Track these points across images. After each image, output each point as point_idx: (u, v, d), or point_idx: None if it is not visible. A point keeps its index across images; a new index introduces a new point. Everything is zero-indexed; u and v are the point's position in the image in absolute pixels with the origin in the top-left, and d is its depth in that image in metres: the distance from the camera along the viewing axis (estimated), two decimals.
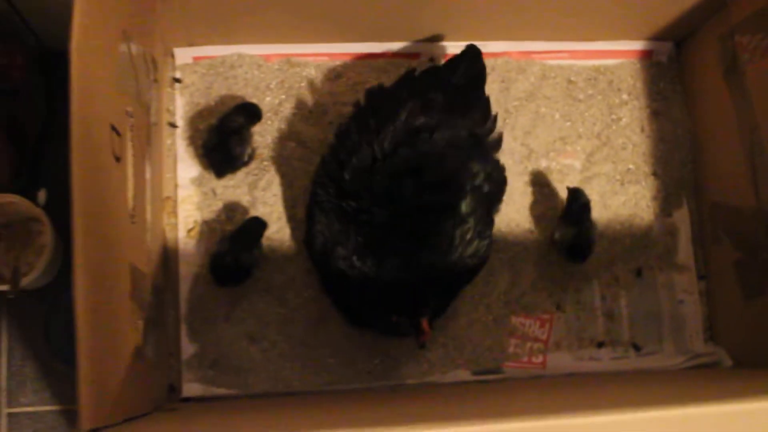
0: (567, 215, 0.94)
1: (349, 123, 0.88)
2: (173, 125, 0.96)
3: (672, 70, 1.05)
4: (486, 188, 0.87)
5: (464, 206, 0.85)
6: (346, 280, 0.85)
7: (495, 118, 0.91)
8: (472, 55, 0.91)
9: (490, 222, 0.89)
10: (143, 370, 0.71)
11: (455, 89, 0.88)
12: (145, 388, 0.74)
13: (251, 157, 0.94)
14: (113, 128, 0.62)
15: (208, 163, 0.93)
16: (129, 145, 0.68)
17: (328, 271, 0.87)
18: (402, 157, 0.83)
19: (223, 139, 0.89)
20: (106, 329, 0.56)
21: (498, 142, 0.92)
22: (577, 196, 0.94)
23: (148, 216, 0.79)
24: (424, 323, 0.81)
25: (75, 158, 0.53)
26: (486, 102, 0.91)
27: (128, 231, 0.67)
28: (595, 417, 0.56)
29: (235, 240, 0.89)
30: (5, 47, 0.87)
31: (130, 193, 0.68)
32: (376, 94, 0.90)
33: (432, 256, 0.84)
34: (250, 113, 0.91)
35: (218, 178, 0.94)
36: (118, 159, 0.63)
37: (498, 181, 0.90)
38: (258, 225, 0.91)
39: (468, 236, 0.85)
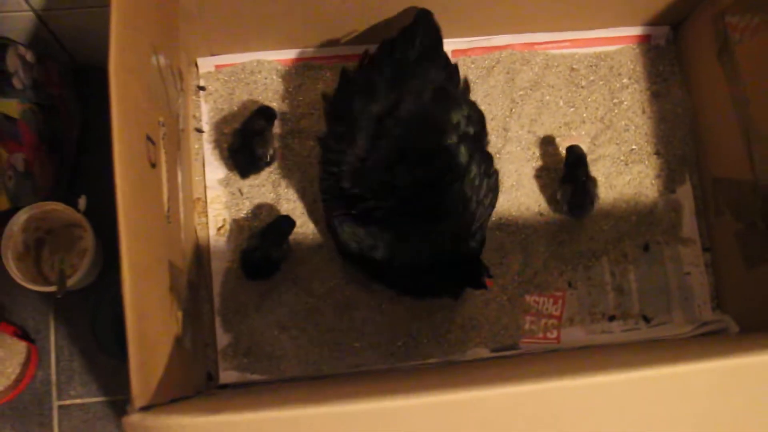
0: (565, 173, 1.00)
1: (326, 135, 0.93)
2: (200, 130, 1.02)
3: (670, 53, 1.09)
4: (471, 130, 0.91)
5: (462, 157, 0.89)
6: (393, 273, 0.91)
7: (456, 67, 0.95)
8: (425, 22, 0.94)
9: (489, 157, 0.94)
10: (184, 359, 0.77)
11: (413, 61, 0.91)
12: (186, 376, 0.80)
13: (273, 158, 0.99)
14: (148, 138, 0.68)
15: (234, 165, 0.99)
16: (162, 152, 0.74)
17: (374, 270, 0.93)
18: (382, 148, 0.87)
19: (246, 141, 0.96)
20: (151, 319, 0.63)
21: (466, 88, 0.96)
22: (571, 151, 0.99)
23: (182, 216, 0.85)
24: (487, 282, 0.90)
25: (118, 168, 0.59)
26: (445, 58, 0.95)
27: (165, 231, 0.74)
28: (606, 376, 0.60)
29: (264, 237, 0.95)
30: (43, 66, 0.94)
31: (165, 196, 0.74)
32: (332, 99, 0.95)
33: (454, 223, 0.90)
34: (268, 115, 0.97)
35: (243, 179, 1.00)
36: (153, 165, 0.70)
37: (479, 119, 0.95)
38: (287, 223, 0.97)
39: (476, 182, 0.90)
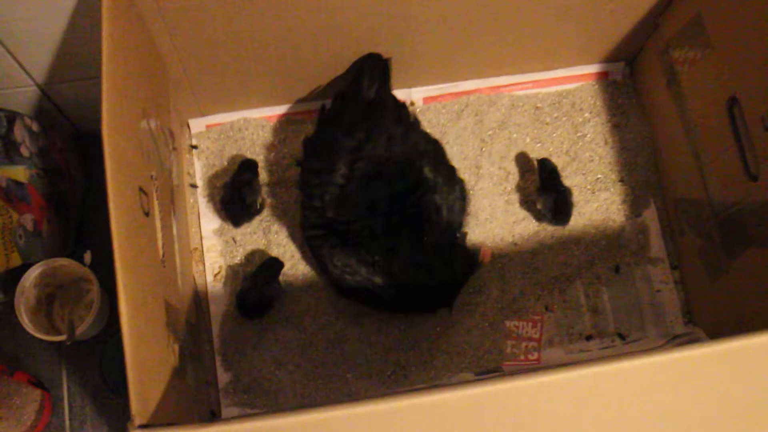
0: (542, 185, 1.07)
1: (304, 174, 1.02)
2: (194, 186, 1.11)
3: (627, 87, 1.17)
4: (429, 148, 1.02)
5: (427, 172, 0.99)
6: (390, 294, 1.00)
7: (403, 104, 1.06)
8: (369, 65, 1.03)
9: (452, 168, 1.05)
10: (185, 393, 0.84)
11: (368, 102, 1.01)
12: (188, 409, 0.87)
13: (262, 205, 1.07)
14: (141, 189, 0.76)
15: (227, 216, 1.07)
16: (155, 202, 0.82)
17: (371, 295, 1.01)
18: (359, 170, 0.97)
19: (235, 192, 1.03)
20: (148, 347, 0.69)
21: (413, 117, 1.06)
22: (544, 165, 1.07)
23: (178, 262, 0.93)
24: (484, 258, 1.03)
25: (113, 217, 0.67)
26: (392, 96, 1.05)
27: (161, 273, 0.81)
28: (580, 370, 0.65)
29: (256, 278, 1.02)
30: (47, 135, 1.03)
31: (159, 242, 0.82)
32: (310, 137, 1.05)
33: (433, 229, 0.99)
34: (251, 167, 1.05)
35: (236, 227, 1.08)
36: (147, 214, 0.78)
37: (429, 139, 1.05)
38: (276, 263, 1.05)
39: (445, 189, 1.00)
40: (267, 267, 1.04)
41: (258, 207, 1.06)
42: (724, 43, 0.91)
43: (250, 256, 1.08)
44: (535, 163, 1.10)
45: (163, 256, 0.83)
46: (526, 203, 1.11)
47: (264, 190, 1.09)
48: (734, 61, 0.90)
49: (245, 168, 1.04)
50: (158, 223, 0.82)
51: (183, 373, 0.83)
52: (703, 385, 0.69)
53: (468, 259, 1.04)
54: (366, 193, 0.97)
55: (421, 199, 0.99)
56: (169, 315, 0.81)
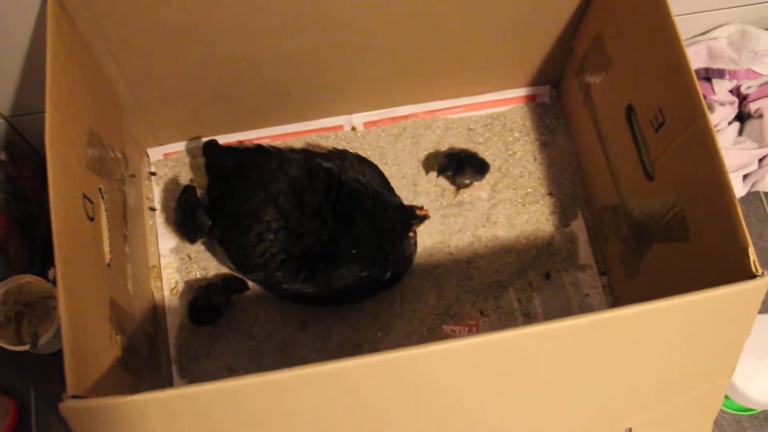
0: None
1: (243, 245, 1.08)
2: (152, 209, 1.20)
3: (555, 108, 1.26)
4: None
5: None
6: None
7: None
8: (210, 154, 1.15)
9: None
10: (132, 387, 0.92)
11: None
12: None
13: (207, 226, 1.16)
14: (85, 196, 0.85)
15: (182, 235, 1.16)
16: (102, 211, 0.91)
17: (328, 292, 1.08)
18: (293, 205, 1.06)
19: (186, 214, 1.13)
20: (86, 333, 0.77)
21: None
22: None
23: (129, 272, 1.01)
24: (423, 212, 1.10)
25: (53, 214, 0.75)
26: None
27: (106, 273, 0.89)
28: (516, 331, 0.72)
29: (211, 287, 1.11)
30: (15, 164, 1.12)
31: (105, 247, 0.91)
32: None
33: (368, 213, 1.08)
34: (192, 192, 1.14)
35: (192, 244, 1.16)
36: (91, 219, 0.86)
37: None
38: (238, 283, 1.13)
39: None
40: (228, 282, 1.12)
41: (210, 225, 1.14)
42: (619, 57, 1.00)
43: (203, 271, 1.16)
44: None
45: (111, 260, 0.92)
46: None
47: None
48: (629, 73, 0.99)
49: (187, 192, 1.14)
50: (105, 230, 0.91)
51: (129, 366, 0.91)
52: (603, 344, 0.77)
53: (405, 212, 1.10)
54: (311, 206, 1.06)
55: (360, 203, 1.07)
56: (114, 312, 0.89)
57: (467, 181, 1.18)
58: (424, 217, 1.10)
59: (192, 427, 0.73)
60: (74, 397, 0.71)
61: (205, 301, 1.09)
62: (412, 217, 1.09)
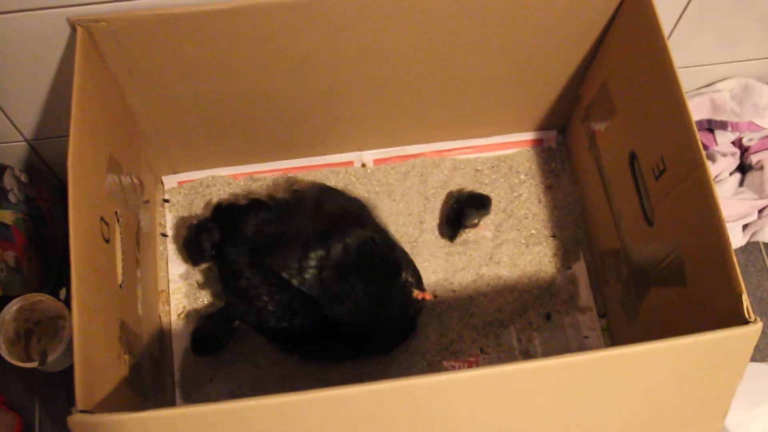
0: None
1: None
2: (164, 235, 1.23)
3: (561, 153, 1.30)
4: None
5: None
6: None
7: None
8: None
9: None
10: (137, 405, 0.94)
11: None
12: None
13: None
14: (102, 219, 0.89)
15: (186, 255, 1.19)
16: (117, 233, 0.94)
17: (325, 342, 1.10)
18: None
19: (195, 237, 1.16)
20: (96, 350, 0.80)
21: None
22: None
23: (140, 295, 1.04)
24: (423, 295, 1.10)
25: (72, 234, 0.78)
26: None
27: (118, 294, 0.92)
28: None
29: (212, 317, 1.13)
30: (34, 186, 1.16)
31: (119, 269, 0.94)
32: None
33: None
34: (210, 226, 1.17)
35: (194, 266, 1.20)
36: (107, 241, 0.89)
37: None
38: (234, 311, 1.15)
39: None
40: (226, 311, 1.15)
41: (212, 253, 1.17)
42: (623, 106, 1.04)
43: (211, 298, 1.19)
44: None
45: (123, 282, 0.95)
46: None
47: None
48: (632, 121, 1.02)
49: (207, 222, 1.17)
50: (119, 252, 0.94)
51: (135, 386, 0.93)
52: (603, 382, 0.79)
53: (408, 299, 1.11)
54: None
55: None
56: (124, 332, 0.91)
57: (475, 221, 1.21)
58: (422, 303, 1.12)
59: None
60: (82, 411, 0.73)
61: (208, 331, 1.11)
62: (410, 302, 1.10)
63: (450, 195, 1.26)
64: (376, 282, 1.07)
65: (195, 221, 1.18)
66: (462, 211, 1.20)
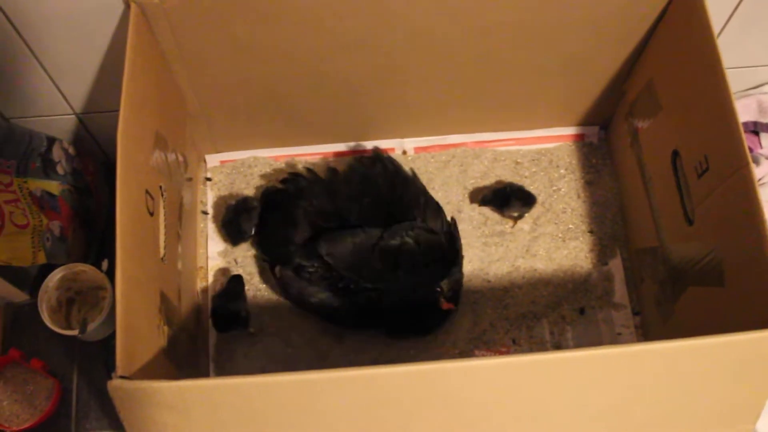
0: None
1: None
2: (205, 212, 1.25)
3: (602, 149, 1.29)
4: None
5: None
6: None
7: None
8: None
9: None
10: (172, 375, 0.96)
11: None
12: None
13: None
14: (147, 192, 0.91)
15: (225, 234, 1.21)
16: (161, 207, 0.96)
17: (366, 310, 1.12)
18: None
19: (234, 217, 1.18)
20: (137, 318, 0.82)
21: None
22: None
23: (180, 268, 1.06)
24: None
25: (119, 206, 0.81)
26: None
27: (160, 267, 0.94)
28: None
29: (220, 297, 1.16)
30: (81, 159, 1.18)
31: (161, 242, 0.96)
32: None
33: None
34: (249, 203, 1.20)
35: (233, 246, 1.22)
36: (151, 213, 0.91)
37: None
38: (237, 282, 1.18)
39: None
40: (229, 286, 1.18)
41: (251, 233, 1.19)
42: (669, 104, 1.03)
43: (248, 276, 1.21)
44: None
45: (164, 255, 0.97)
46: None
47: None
48: (677, 119, 1.02)
49: (246, 202, 1.19)
50: (162, 226, 0.96)
51: (172, 357, 0.95)
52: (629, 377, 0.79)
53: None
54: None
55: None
56: (164, 303, 0.93)
57: (515, 214, 1.22)
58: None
59: (229, 417, 0.76)
60: (122, 377, 0.75)
61: (223, 310, 1.13)
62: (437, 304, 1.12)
63: (499, 182, 1.26)
64: (427, 273, 1.11)
65: (234, 201, 1.20)
66: (508, 200, 1.20)
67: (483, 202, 1.22)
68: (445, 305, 1.10)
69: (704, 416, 0.83)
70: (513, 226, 1.24)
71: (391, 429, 0.80)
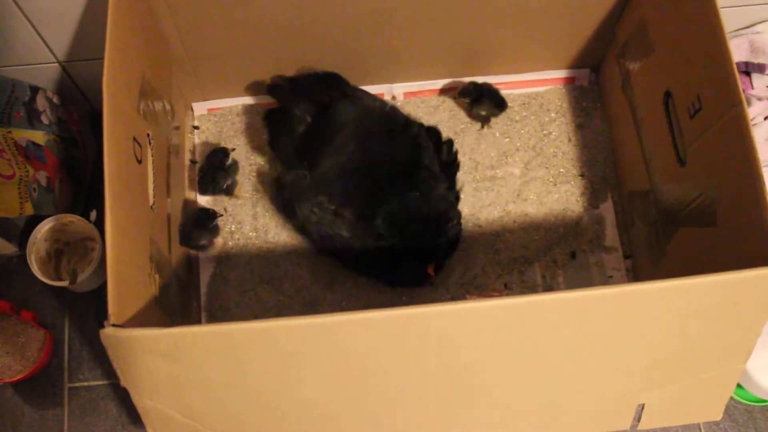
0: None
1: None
2: (194, 162, 1.23)
3: (593, 92, 1.28)
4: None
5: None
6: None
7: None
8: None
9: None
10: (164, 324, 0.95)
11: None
12: None
13: (231, 188, 1.19)
14: (135, 140, 0.89)
15: (199, 183, 1.21)
16: (150, 155, 0.94)
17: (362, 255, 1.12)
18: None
19: (208, 172, 1.19)
20: (128, 267, 0.81)
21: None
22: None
23: (170, 218, 1.05)
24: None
25: (106, 153, 0.79)
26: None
27: (149, 215, 0.93)
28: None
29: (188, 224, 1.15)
30: (66, 108, 1.16)
31: (150, 190, 0.94)
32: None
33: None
34: (224, 154, 1.19)
35: (202, 195, 1.22)
36: (139, 161, 0.90)
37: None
38: (206, 215, 1.17)
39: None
40: (198, 216, 1.17)
41: (225, 188, 1.19)
42: (661, 45, 1.02)
43: (238, 225, 1.20)
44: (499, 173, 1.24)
45: (154, 203, 0.96)
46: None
47: (248, 170, 1.22)
48: (670, 60, 1.01)
49: (218, 153, 1.19)
50: (150, 174, 0.95)
51: (164, 306, 0.95)
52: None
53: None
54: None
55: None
56: (154, 251, 0.92)
57: (483, 113, 1.23)
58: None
59: (221, 362, 0.76)
60: (114, 325, 0.75)
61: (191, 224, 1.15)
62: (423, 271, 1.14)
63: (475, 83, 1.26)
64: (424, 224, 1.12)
65: (210, 150, 1.20)
66: (479, 99, 1.22)
67: (461, 94, 1.24)
68: (430, 270, 1.13)
69: (696, 356, 0.84)
70: (481, 129, 1.25)
71: (385, 373, 0.80)
